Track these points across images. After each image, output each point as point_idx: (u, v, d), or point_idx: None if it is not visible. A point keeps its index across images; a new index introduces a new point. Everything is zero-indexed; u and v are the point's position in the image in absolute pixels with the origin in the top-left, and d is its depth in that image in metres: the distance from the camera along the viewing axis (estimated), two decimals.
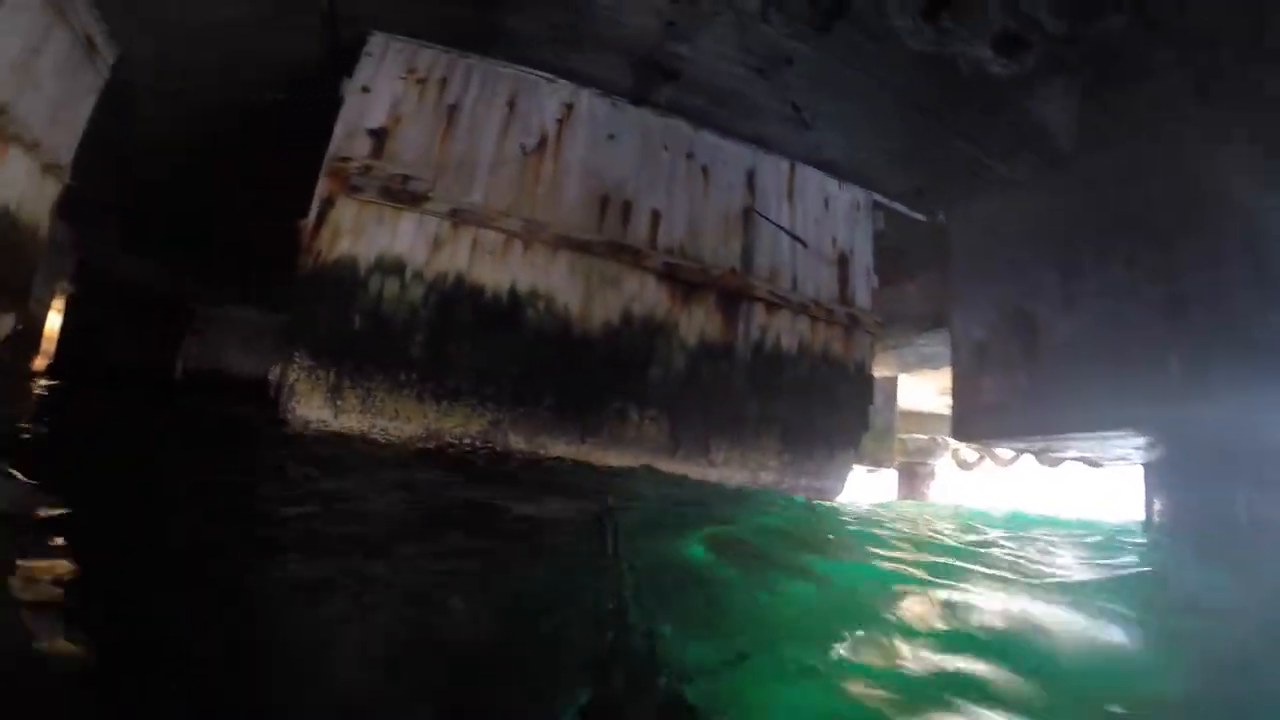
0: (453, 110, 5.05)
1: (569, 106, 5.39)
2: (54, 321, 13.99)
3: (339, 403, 4.51)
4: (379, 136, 4.83)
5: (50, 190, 5.56)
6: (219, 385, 15.95)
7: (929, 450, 11.93)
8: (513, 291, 4.88)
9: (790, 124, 5.94)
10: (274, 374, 4.80)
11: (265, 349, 16.02)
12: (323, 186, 4.68)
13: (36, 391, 6.97)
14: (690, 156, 5.75)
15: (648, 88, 5.60)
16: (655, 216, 5.44)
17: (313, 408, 4.48)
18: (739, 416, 5.57)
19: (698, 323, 5.44)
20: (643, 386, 5.18)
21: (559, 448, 4.91)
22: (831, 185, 6.47)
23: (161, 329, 16.77)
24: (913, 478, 12.17)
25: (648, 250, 5.31)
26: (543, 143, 5.20)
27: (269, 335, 15.90)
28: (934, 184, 6.61)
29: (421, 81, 5.05)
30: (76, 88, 5.66)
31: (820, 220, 6.31)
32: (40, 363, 13.03)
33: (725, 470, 5.50)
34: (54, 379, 11.09)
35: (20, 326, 5.70)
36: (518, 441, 4.81)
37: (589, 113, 5.44)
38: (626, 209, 5.34)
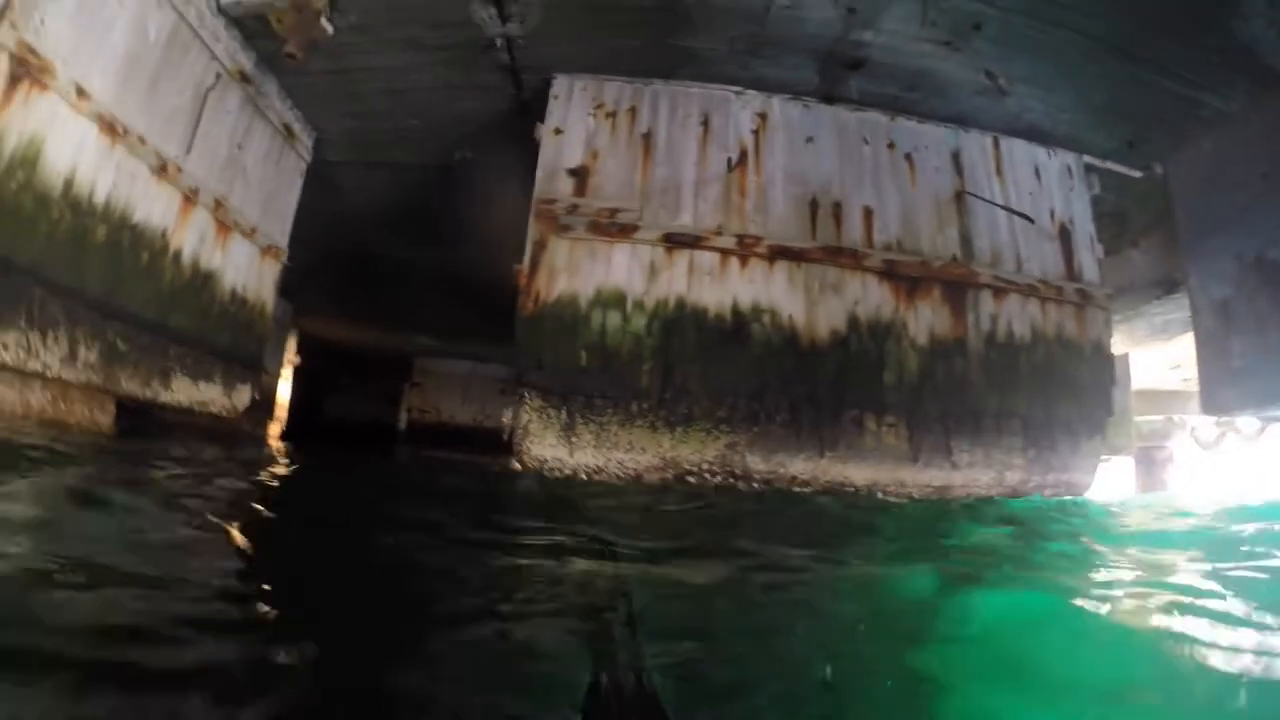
0: (647, 138, 5.00)
1: (762, 116, 5.22)
2: (283, 389, 15.45)
3: (573, 440, 4.50)
4: (580, 174, 4.84)
5: (271, 270, 6.05)
6: (440, 435, 16.87)
7: (1164, 432, 10.61)
8: (735, 309, 4.73)
9: (986, 95, 5.49)
10: (506, 417, 4.84)
11: (482, 397, 17.20)
12: (533, 229, 4.74)
13: (275, 453, 7.54)
14: (891, 146, 5.40)
15: (835, 83, 5.35)
16: (867, 214, 5.12)
17: (547, 446, 4.49)
18: (978, 414, 5.11)
19: (925, 319, 5.05)
20: (877, 392, 4.84)
21: (797, 465, 4.67)
22: (1039, 153, 5.91)
23: (382, 385, 18.05)
24: (1150, 464, 10.86)
25: (865, 250, 5.00)
26: (743, 156, 5.06)
27: (485, 384, 16.99)
28: (1145, 133, 5.91)
29: (612, 115, 5.04)
30: (282, 173, 6.15)
31: (1034, 193, 5.75)
32: (275, 428, 14.29)
33: (969, 473, 5.05)
34: (288, 440, 12.12)
35: (257, 396, 6.17)
36: (755, 462, 4.61)
37: (783, 119, 5.25)
38: (837, 210, 5.06)
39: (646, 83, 5.14)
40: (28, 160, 4.01)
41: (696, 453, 4.55)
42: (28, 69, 3.95)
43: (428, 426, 17.39)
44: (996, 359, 5.18)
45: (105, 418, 4.79)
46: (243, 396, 5.87)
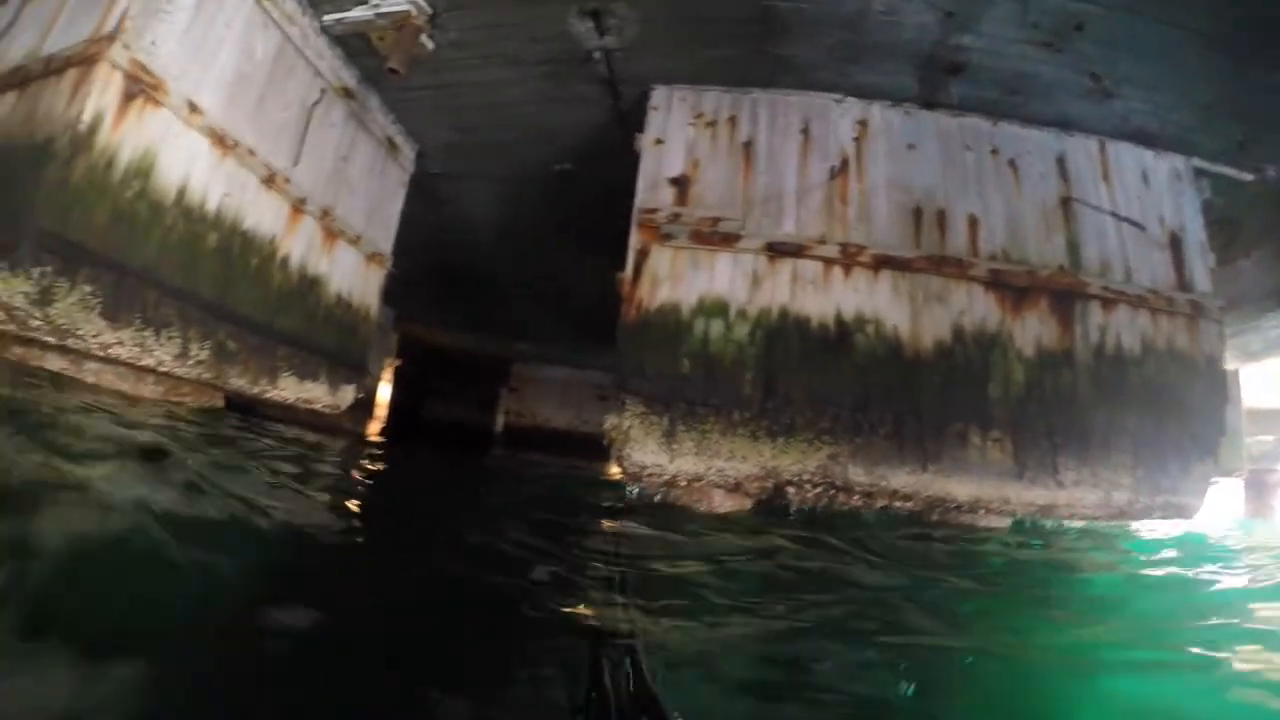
0: (748, 146, 4.99)
1: (863, 123, 5.15)
2: (384, 391, 16.17)
3: (674, 447, 4.49)
4: (681, 184, 4.85)
5: (375, 277, 6.26)
6: (536, 438, 17.19)
7: (1276, 454, 10.09)
8: (839, 319, 4.66)
9: (1091, 97, 5.32)
10: (602, 422, 4.87)
11: (579, 402, 17.44)
12: (635, 239, 4.76)
13: (375, 450, 7.86)
14: (995, 152, 5.27)
15: (935, 88, 5.25)
16: (972, 222, 5.01)
17: (648, 453, 4.49)
18: (1086, 430, 4.93)
19: (1032, 330, 4.90)
20: (983, 405, 4.72)
21: (900, 478, 4.55)
22: (1146, 156, 5.69)
23: (479, 390, 18.60)
24: (1260, 488, 10.31)
25: (970, 259, 4.88)
26: (844, 164, 5.00)
27: (582, 389, 17.29)
28: (1256, 134, 5.64)
29: (711, 124, 5.04)
30: (386, 184, 6.37)
31: (1142, 198, 5.54)
32: (375, 427, 14.83)
33: (1075, 492, 4.87)
34: (387, 440, 12.54)
35: (360, 396, 6.36)
36: (857, 474, 4.52)
37: (884, 125, 5.17)
38: (941, 218, 4.96)
39: (745, 92, 5.13)
40: (142, 171, 4.24)
41: (798, 463, 4.48)
42: (141, 86, 4.19)
43: (524, 430, 17.65)
44: (1105, 372, 5.00)
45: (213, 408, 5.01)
46: (346, 396, 6.07)
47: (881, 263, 4.77)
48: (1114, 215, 5.30)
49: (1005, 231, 5.07)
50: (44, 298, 3.76)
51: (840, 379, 4.60)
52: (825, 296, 4.69)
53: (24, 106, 4.41)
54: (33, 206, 3.79)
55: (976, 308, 4.83)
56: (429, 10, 4.85)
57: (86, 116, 3.96)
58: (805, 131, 5.07)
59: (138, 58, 4.17)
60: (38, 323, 3.79)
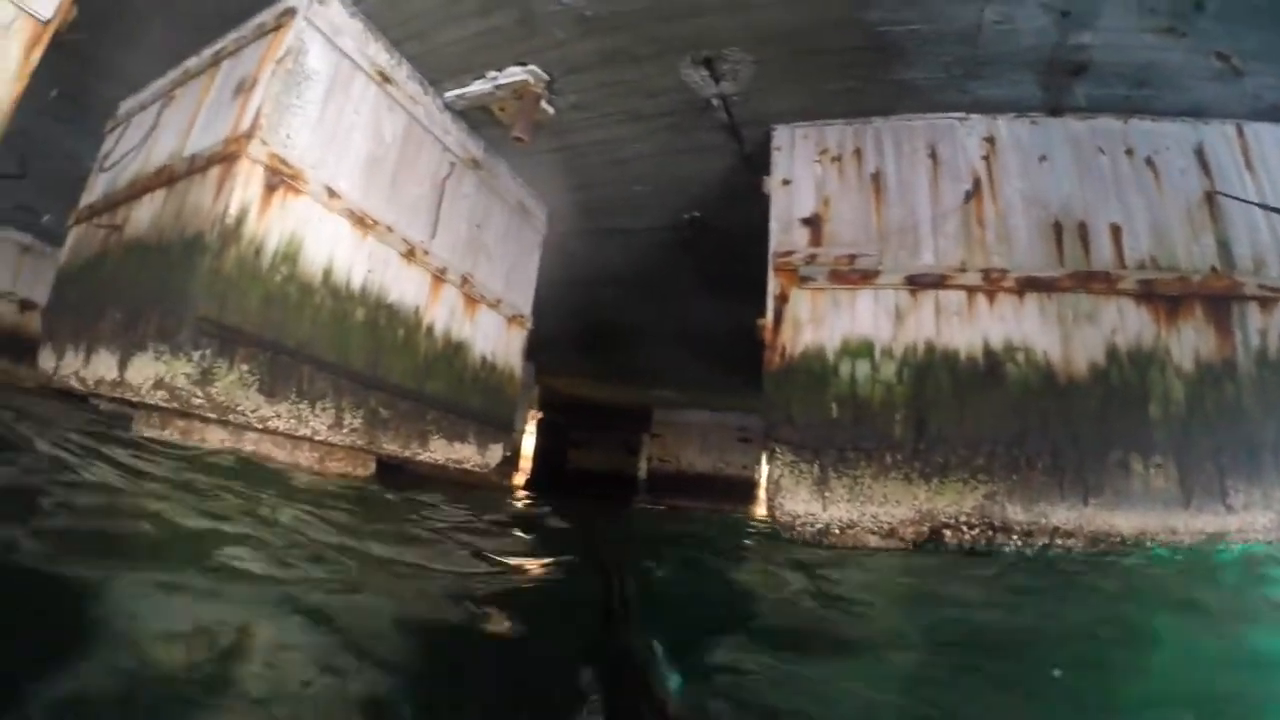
0: (876, 178, 4.93)
1: (990, 140, 5.01)
2: (527, 443, 17.23)
3: (826, 494, 4.50)
4: (813, 223, 4.84)
5: (517, 338, 6.49)
6: (680, 483, 17.45)
7: None
8: (987, 349, 4.56)
9: (1220, 79, 5.05)
10: (744, 465, 4.92)
11: (720, 446, 17.44)
12: (773, 284, 4.78)
13: (521, 500, 8.23)
14: (1130, 152, 5.07)
15: (1060, 93, 5.08)
16: (1115, 231, 4.84)
17: (800, 502, 4.52)
18: (1254, 446, 4.67)
19: (1189, 342, 4.71)
20: (1143, 429, 4.55)
21: (1060, 514, 4.41)
22: None
23: (622, 437, 19.27)
24: None
25: (1117, 271, 4.72)
26: (976, 185, 4.88)
27: (723, 433, 17.31)
28: None
29: (837, 159, 5.00)
30: (521, 246, 6.63)
31: None
32: (519, 478, 15.73)
33: (1245, 516, 4.59)
34: (531, 490, 13.17)
35: (508, 453, 6.61)
36: (1015, 513, 4.41)
37: (1012, 139, 5.02)
38: (1083, 231, 4.81)
39: (867, 122, 5.06)
40: (289, 256, 4.50)
41: (954, 504, 4.42)
42: (281, 177, 4.44)
43: (667, 475, 17.93)
44: (1270, 380, 4.75)
45: (365, 471, 5.28)
46: (495, 455, 6.32)
47: (1025, 285, 4.64)
48: (1263, 206, 5.04)
49: (1151, 237, 4.88)
50: (205, 378, 4.08)
51: (993, 413, 4.50)
52: (971, 327, 4.59)
53: (173, 203, 4.74)
54: (190, 294, 4.11)
55: (1129, 324, 4.68)
56: (546, 77, 4.94)
57: (233, 209, 4.24)
58: (933, 155, 4.96)
59: (275, 151, 4.43)
60: (199, 401, 4.11)
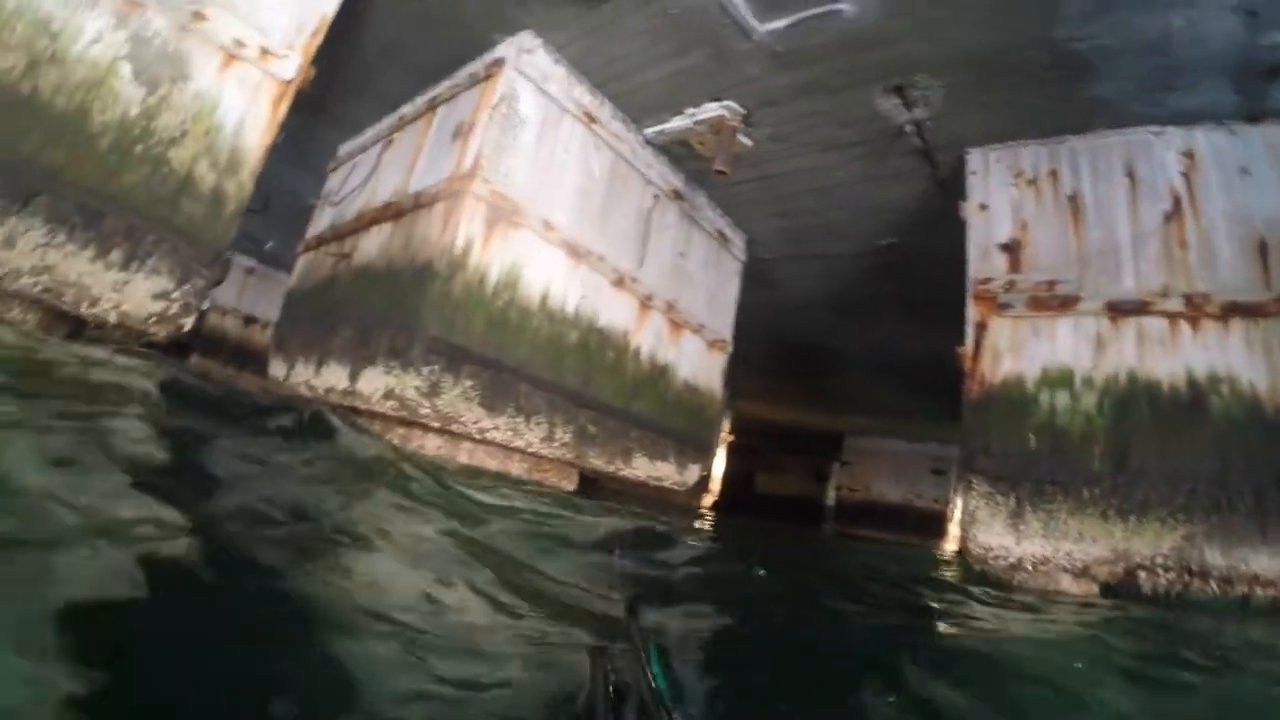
0: (1073, 200, 4.95)
1: (1188, 155, 4.92)
2: (717, 465, 17.71)
3: (1020, 528, 4.53)
4: (1011, 249, 4.92)
5: (717, 362, 6.89)
6: (868, 513, 17.21)
7: None
8: (1190, 380, 4.46)
9: None
10: (938, 499, 5.08)
11: (914, 477, 16.88)
12: (972, 311, 4.91)
13: (712, 522, 8.68)
14: None
15: (1257, 97, 4.95)
16: None
17: (994, 534, 4.59)
18: None
19: None
20: None
21: (1261, 561, 4.01)
22: None
23: (811, 463, 19.22)
24: None
25: None
26: (1176, 204, 4.83)
27: (917, 463, 16.83)
28: None
29: (1032, 181, 5.03)
30: (721, 274, 7.00)
31: None
32: (708, 500, 16.15)
33: None
34: (720, 511, 13.62)
35: (704, 475, 7.06)
36: (1214, 557, 4.10)
37: (1211, 152, 4.92)
38: None
39: (1060, 141, 5.05)
40: (510, 283, 4.90)
41: (1151, 545, 4.22)
42: (502, 212, 4.78)
43: (856, 505, 17.58)
44: None
45: (570, 484, 5.75)
46: (693, 474, 6.77)
47: (1229, 311, 4.54)
48: None
49: None
50: (432, 391, 4.60)
51: (1195, 448, 4.29)
52: (1174, 356, 4.54)
53: (401, 234, 5.18)
54: (421, 316, 4.60)
55: None
56: (742, 111, 5.07)
57: (460, 241, 4.66)
58: (1130, 174, 4.92)
59: (496, 188, 4.80)
60: (426, 411, 4.64)
